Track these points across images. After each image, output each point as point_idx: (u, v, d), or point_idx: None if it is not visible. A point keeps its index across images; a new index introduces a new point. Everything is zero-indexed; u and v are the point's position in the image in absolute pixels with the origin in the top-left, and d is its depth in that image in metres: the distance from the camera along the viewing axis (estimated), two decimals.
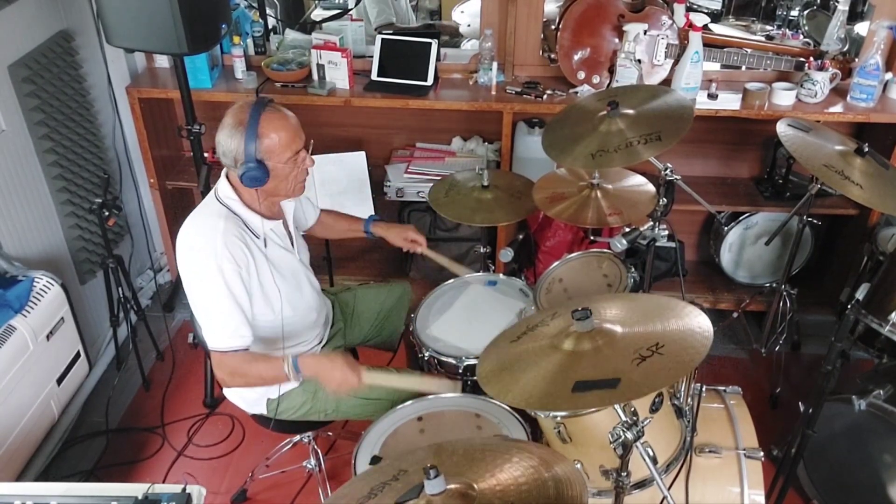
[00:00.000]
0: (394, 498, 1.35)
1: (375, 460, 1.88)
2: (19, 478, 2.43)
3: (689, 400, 1.86)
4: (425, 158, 3.24)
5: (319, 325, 2.27)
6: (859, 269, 2.84)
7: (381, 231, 2.45)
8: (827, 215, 3.03)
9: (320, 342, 2.28)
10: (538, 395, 1.49)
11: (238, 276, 1.92)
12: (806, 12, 3.34)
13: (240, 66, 3.06)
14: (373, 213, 2.78)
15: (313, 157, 2.73)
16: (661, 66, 2.92)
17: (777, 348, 2.97)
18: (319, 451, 2.47)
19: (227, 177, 2.01)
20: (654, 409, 1.67)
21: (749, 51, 2.97)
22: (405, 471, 1.46)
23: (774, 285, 2.92)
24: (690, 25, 2.80)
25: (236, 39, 3.01)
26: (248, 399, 2.18)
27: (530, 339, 1.67)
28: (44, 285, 2.52)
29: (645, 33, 2.84)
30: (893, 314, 2.29)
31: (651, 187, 2.40)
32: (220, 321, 1.93)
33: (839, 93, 2.90)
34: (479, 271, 2.66)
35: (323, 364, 2.00)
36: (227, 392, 2.23)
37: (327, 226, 2.46)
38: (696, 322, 1.53)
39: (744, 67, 3.00)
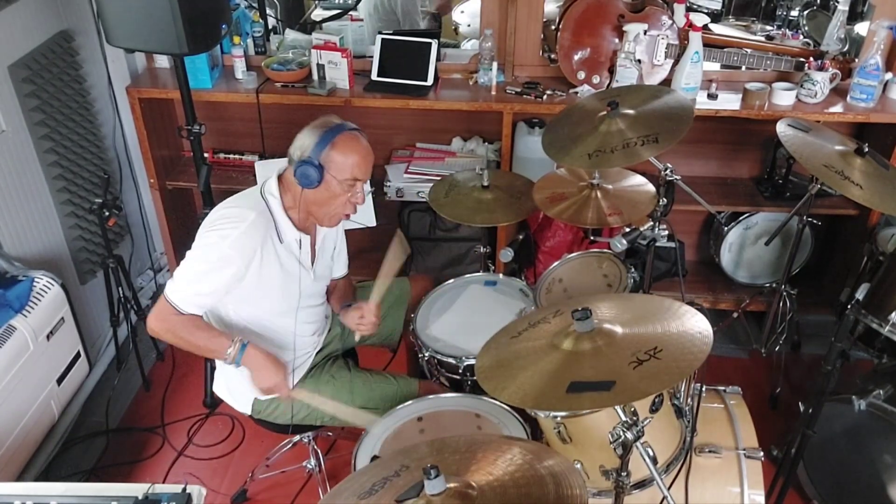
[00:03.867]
0: (394, 494, 1.36)
1: (375, 460, 1.88)
2: (19, 478, 2.43)
3: (689, 400, 1.86)
4: (425, 158, 3.24)
5: (316, 338, 2.27)
6: (859, 269, 2.84)
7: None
8: (827, 215, 3.03)
9: (315, 348, 2.28)
10: (534, 393, 1.49)
11: (234, 267, 1.92)
12: (806, 12, 3.34)
13: (240, 67, 3.06)
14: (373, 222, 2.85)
15: None
16: (661, 66, 2.92)
17: (777, 348, 2.97)
18: (319, 451, 2.47)
19: (280, 177, 2.03)
20: (654, 409, 1.67)
21: (749, 51, 2.97)
22: (407, 466, 1.46)
23: (774, 285, 2.92)
24: (690, 25, 2.80)
25: (236, 39, 3.01)
26: (236, 397, 2.19)
27: (531, 337, 1.67)
28: (44, 285, 2.52)
29: (645, 33, 2.84)
30: (893, 314, 2.29)
31: (651, 187, 2.40)
32: (189, 282, 1.94)
33: (839, 93, 2.90)
34: (479, 271, 2.67)
35: (262, 364, 2.01)
36: (217, 388, 2.25)
37: (336, 289, 2.41)
38: (697, 327, 1.52)
39: (744, 67, 3.00)
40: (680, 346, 1.48)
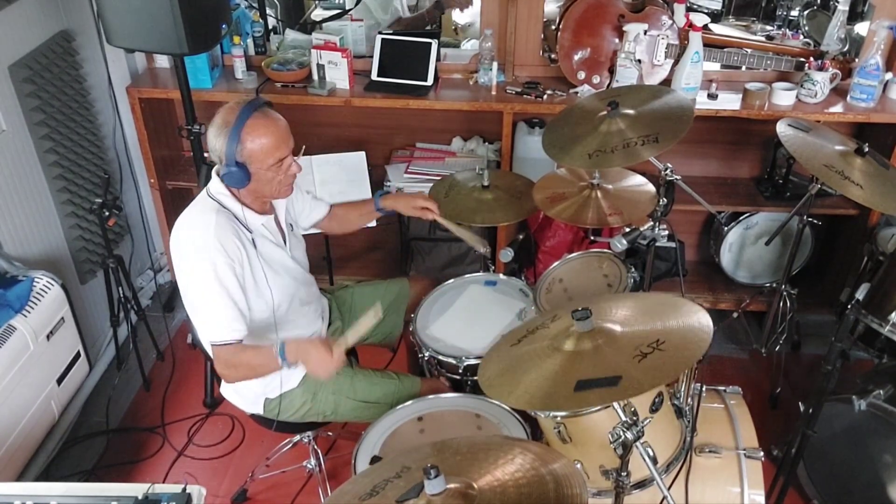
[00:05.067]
0: (395, 496, 1.36)
1: (375, 460, 1.88)
2: (19, 478, 2.43)
3: (689, 400, 1.86)
4: (425, 158, 3.24)
5: (316, 323, 2.27)
6: (859, 269, 2.84)
7: (391, 203, 2.43)
8: (827, 215, 3.03)
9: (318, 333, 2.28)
10: (540, 395, 1.49)
11: (231, 270, 1.92)
12: (806, 12, 3.33)
13: (240, 67, 3.06)
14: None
15: (314, 157, 2.73)
16: (661, 66, 2.92)
17: (777, 348, 2.97)
18: (319, 451, 2.47)
19: (217, 173, 2.02)
20: (654, 409, 1.67)
21: (749, 51, 2.97)
22: (408, 468, 1.46)
23: (774, 285, 2.92)
24: (690, 25, 2.80)
25: (236, 39, 3.01)
26: (247, 398, 2.18)
27: (531, 342, 1.67)
28: (44, 285, 2.52)
29: (645, 33, 2.84)
30: (893, 314, 2.29)
31: (651, 187, 2.40)
32: (212, 315, 1.93)
33: (839, 93, 2.90)
34: (479, 271, 2.67)
35: (303, 347, 1.94)
36: (224, 391, 2.23)
37: (340, 218, 2.44)
38: (696, 318, 1.53)
39: (744, 67, 2.99)
40: (681, 336, 1.49)
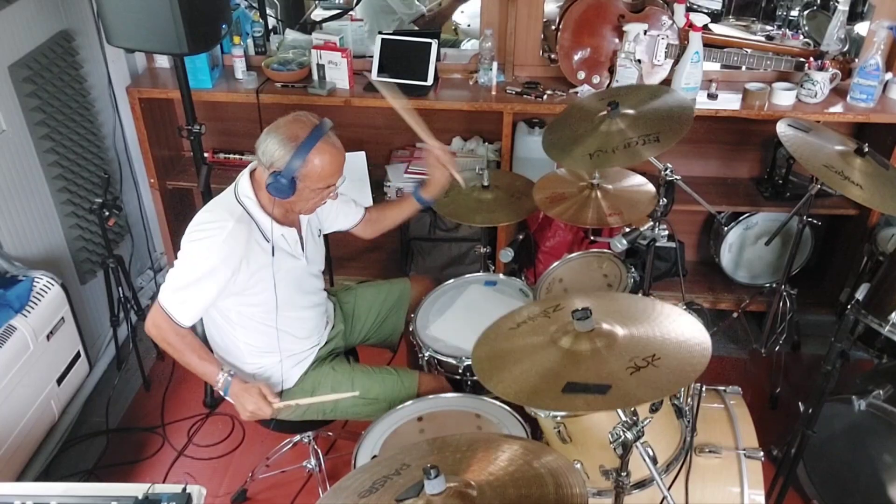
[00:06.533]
0: (394, 493, 1.36)
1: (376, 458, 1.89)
2: (19, 478, 2.43)
3: (689, 400, 1.87)
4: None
5: (319, 331, 2.27)
6: (859, 269, 2.84)
7: (433, 189, 2.40)
8: (827, 215, 3.03)
9: (317, 345, 2.27)
10: (528, 390, 1.48)
11: (221, 276, 1.93)
12: (806, 12, 3.34)
13: (240, 67, 3.06)
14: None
15: None
16: (661, 66, 2.92)
17: (777, 348, 2.97)
18: (319, 451, 2.47)
19: (252, 174, 2.01)
20: (654, 409, 1.67)
21: (749, 51, 2.97)
22: (407, 465, 1.46)
23: (774, 285, 2.92)
24: (690, 25, 2.80)
25: (236, 39, 3.01)
26: None
27: (530, 331, 1.66)
28: (44, 285, 2.52)
29: (645, 33, 2.84)
30: (893, 314, 2.29)
31: (651, 187, 2.40)
32: (183, 290, 1.95)
33: (839, 93, 2.90)
34: (479, 271, 2.67)
35: (241, 395, 2.02)
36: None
37: (375, 221, 2.42)
38: (697, 339, 1.51)
39: (744, 67, 2.99)
40: (678, 356, 1.47)
